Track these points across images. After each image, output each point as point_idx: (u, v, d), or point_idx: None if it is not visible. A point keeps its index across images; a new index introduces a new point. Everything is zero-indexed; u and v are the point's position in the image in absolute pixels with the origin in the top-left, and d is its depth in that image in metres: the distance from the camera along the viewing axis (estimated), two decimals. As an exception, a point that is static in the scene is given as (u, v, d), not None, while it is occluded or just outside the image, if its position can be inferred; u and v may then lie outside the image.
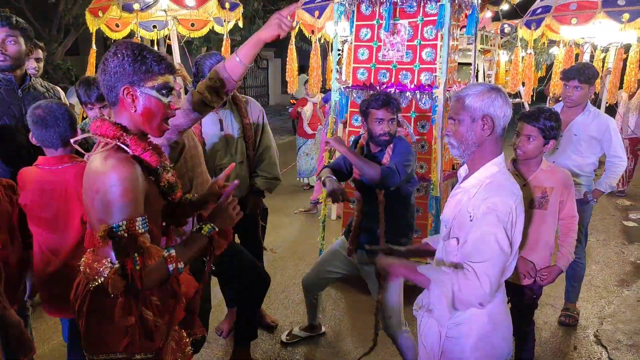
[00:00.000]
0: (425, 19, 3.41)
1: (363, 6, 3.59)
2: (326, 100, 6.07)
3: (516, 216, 1.55)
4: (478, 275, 1.50)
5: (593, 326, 3.39)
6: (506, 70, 8.65)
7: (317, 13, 4.83)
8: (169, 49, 4.16)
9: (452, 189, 2.29)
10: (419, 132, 3.55)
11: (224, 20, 4.36)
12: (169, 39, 4.17)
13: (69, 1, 9.99)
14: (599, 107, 4.53)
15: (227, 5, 3.91)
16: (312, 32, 5.44)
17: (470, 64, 4.91)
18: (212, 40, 10.79)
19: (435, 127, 3.45)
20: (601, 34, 4.61)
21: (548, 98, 6.49)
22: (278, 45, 15.90)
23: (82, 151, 1.61)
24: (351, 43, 3.80)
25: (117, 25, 4.15)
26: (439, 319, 1.69)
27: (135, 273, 1.35)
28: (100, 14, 3.95)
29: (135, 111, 1.48)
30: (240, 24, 4.37)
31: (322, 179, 2.61)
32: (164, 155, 1.61)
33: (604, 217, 5.79)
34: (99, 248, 1.45)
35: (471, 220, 1.56)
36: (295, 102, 7.58)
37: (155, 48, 2.98)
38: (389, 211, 2.55)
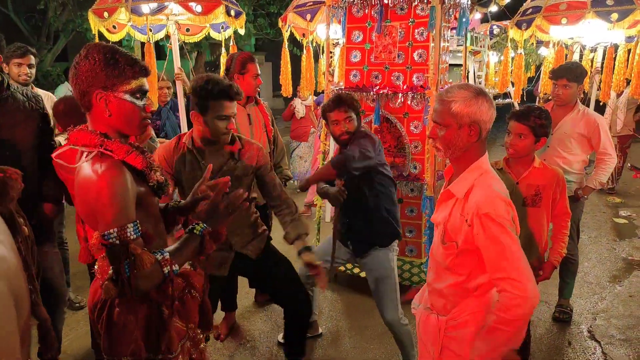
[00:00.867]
0: (416, 20, 3.44)
1: (354, 9, 3.63)
2: (319, 102, 6.08)
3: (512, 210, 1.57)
4: (513, 287, 1.47)
5: (587, 322, 3.43)
6: (495, 72, 8.72)
7: (309, 16, 4.87)
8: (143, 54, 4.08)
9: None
10: (412, 133, 3.58)
11: (221, 28, 4.39)
12: (170, 44, 4.17)
13: (58, 7, 9.93)
14: (588, 106, 4.58)
15: (232, 12, 3.95)
16: (304, 35, 5.48)
17: (461, 65, 4.95)
18: (202, 45, 10.80)
19: (428, 128, 3.48)
20: (590, 34, 4.67)
21: (538, 98, 6.55)
22: (268, 49, 15.92)
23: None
24: (343, 45, 3.83)
25: (115, 27, 4.10)
26: (438, 315, 1.71)
27: (125, 280, 1.34)
28: (105, 15, 3.80)
29: (110, 116, 1.44)
30: (242, 32, 4.39)
31: (319, 193, 2.74)
32: (148, 154, 1.57)
33: (595, 214, 5.86)
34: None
35: (469, 226, 1.54)
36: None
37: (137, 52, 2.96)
38: (363, 201, 2.65)
